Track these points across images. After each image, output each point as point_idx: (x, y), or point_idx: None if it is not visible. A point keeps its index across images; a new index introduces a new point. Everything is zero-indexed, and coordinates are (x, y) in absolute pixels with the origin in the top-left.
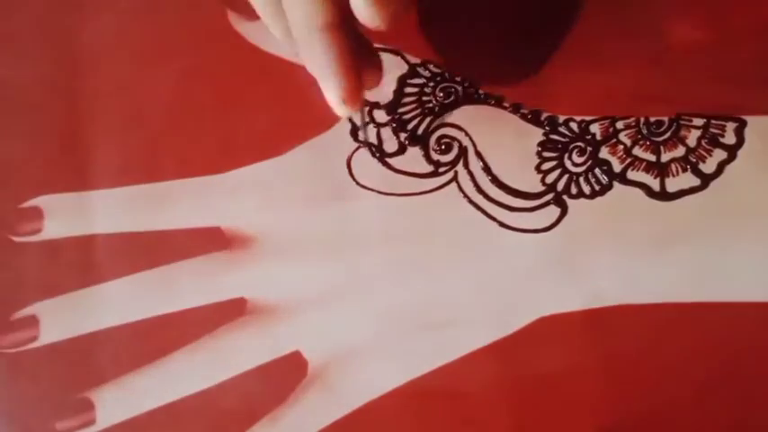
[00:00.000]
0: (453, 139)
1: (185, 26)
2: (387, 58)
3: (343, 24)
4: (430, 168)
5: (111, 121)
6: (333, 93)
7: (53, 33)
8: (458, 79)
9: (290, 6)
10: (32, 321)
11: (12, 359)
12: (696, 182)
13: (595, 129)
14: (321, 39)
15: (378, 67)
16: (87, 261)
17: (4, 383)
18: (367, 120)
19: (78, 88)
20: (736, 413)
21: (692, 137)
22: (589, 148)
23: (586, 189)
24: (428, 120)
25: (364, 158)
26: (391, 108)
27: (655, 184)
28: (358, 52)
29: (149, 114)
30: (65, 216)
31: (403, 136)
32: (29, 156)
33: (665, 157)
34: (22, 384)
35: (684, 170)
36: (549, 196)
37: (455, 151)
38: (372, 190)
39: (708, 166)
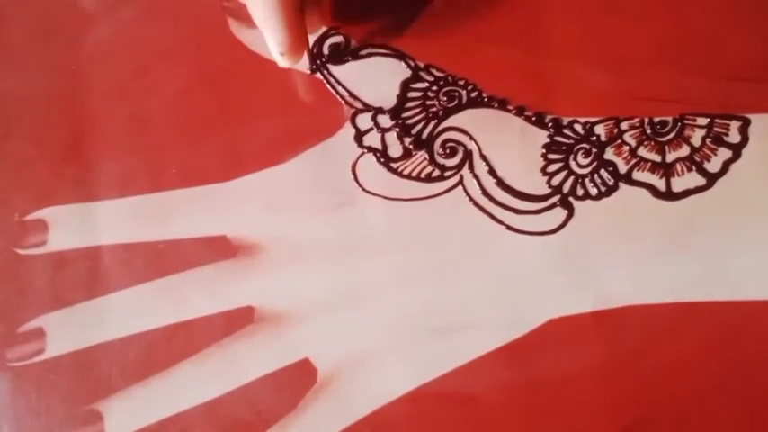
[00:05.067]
0: (458, 142)
1: (186, 35)
2: (390, 63)
3: None
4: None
5: (114, 131)
6: (273, 46)
7: (54, 44)
8: (461, 83)
9: None
10: (39, 334)
11: (19, 372)
12: (702, 181)
13: (600, 130)
14: None
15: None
16: (93, 272)
17: (12, 397)
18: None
19: (80, 99)
20: (750, 410)
21: (697, 136)
22: (594, 150)
23: (592, 190)
24: (432, 124)
25: (369, 164)
26: (395, 113)
27: (660, 184)
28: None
29: (152, 124)
30: (70, 227)
31: (407, 140)
32: (32, 168)
33: (670, 157)
34: (30, 397)
35: (690, 170)
36: (556, 198)
37: (460, 155)
38: (378, 195)
39: (713, 166)
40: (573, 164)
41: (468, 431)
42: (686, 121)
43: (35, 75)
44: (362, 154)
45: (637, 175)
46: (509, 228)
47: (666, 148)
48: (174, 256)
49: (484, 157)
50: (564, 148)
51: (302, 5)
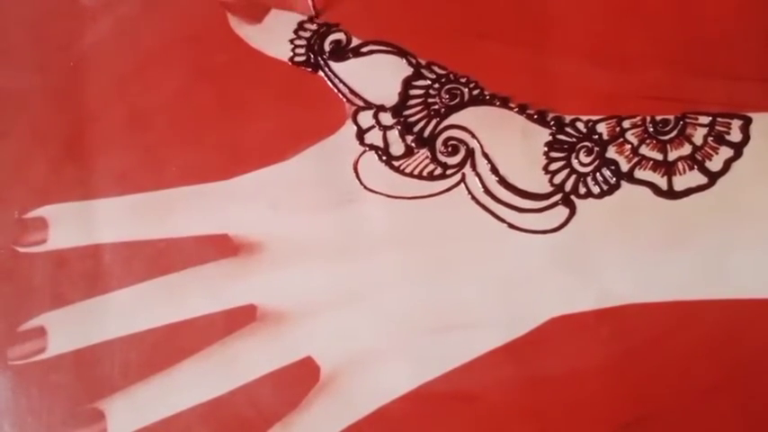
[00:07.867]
0: (460, 140)
1: (185, 31)
2: (391, 60)
3: None
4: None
5: (114, 128)
6: None
7: (52, 41)
8: (463, 80)
9: None
10: (40, 332)
11: (20, 371)
12: (703, 180)
13: (602, 128)
14: None
15: None
16: (94, 270)
17: (13, 396)
18: None
19: (79, 96)
20: (750, 407)
21: (698, 135)
22: (596, 148)
23: (594, 189)
24: (434, 122)
25: (371, 162)
26: (397, 110)
27: (662, 182)
28: None
29: (152, 121)
30: (69, 226)
31: (409, 138)
32: (31, 166)
33: (671, 156)
34: (32, 396)
35: (691, 168)
36: (558, 197)
37: (462, 153)
38: (380, 193)
39: (714, 164)
40: (575, 162)
41: (470, 429)
42: (688, 120)
43: (33, 72)
44: (364, 152)
45: (638, 174)
46: (511, 226)
47: (668, 146)
48: (174, 254)
49: (486, 155)
50: (566, 146)
51: None
